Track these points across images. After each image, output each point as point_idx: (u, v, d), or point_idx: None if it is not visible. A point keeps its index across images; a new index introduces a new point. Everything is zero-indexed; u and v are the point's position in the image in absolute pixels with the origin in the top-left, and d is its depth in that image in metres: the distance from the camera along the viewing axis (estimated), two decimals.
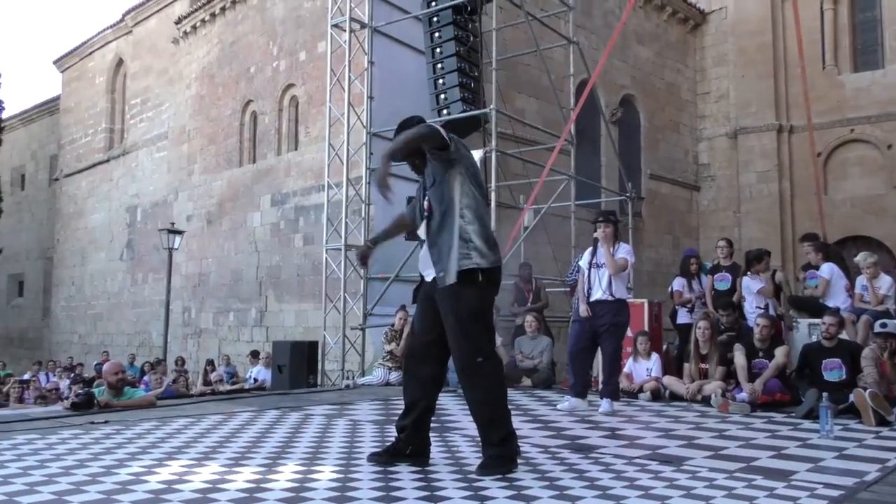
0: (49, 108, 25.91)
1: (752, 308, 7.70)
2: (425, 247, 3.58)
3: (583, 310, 6.23)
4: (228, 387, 10.93)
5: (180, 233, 15.60)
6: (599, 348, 6.36)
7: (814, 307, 7.60)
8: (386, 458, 3.56)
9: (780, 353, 6.76)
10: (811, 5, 16.69)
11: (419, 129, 3.41)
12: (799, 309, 7.94)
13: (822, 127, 15.77)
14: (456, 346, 3.44)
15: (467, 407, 3.56)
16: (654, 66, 17.52)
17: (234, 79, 16.92)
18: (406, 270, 10.43)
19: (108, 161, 21.15)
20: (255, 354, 12.51)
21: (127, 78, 21.14)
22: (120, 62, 21.51)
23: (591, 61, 13.05)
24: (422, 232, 3.63)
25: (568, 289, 9.73)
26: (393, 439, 3.70)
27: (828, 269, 7.69)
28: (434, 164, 3.49)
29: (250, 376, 11.71)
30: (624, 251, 6.19)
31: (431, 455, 3.67)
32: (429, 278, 3.56)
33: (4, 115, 21.68)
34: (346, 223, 10.81)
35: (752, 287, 7.79)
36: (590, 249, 6.38)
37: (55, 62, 23.89)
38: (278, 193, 15.30)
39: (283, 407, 6.33)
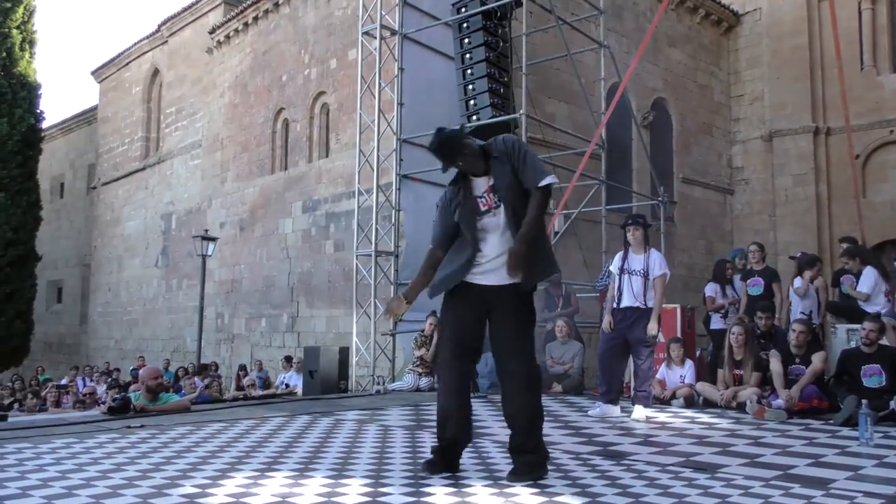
0: (87, 117, 26.49)
1: (797, 314, 7.59)
2: (477, 253, 3.43)
3: (605, 323, 6.18)
4: (261, 392, 11.03)
5: (213, 239, 15.81)
6: (632, 356, 6.30)
7: (852, 312, 7.46)
8: (440, 466, 3.52)
9: (817, 358, 6.64)
10: (848, 5, 16.39)
11: (544, 201, 3.36)
12: (837, 314, 7.80)
13: (860, 129, 15.46)
14: (519, 350, 3.43)
15: (508, 412, 3.45)
16: (687, 68, 17.34)
17: (266, 87, 17.13)
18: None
19: (143, 169, 21.52)
20: (287, 359, 12.62)
21: (162, 87, 21.51)
22: (156, 72, 21.90)
23: (623, 65, 12.96)
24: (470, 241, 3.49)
25: (598, 294, 9.67)
26: (437, 449, 3.57)
27: (867, 279, 7.53)
28: (504, 168, 3.42)
29: (283, 381, 11.81)
30: (657, 262, 6.11)
31: (462, 461, 3.67)
32: (485, 281, 3.43)
33: (44, 125, 22.16)
34: (377, 229, 10.86)
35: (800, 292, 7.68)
36: (620, 254, 6.33)
37: (93, 73, 24.42)
38: (309, 200, 15.43)
39: (315, 412, 6.38)
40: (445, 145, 3.45)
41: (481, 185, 3.50)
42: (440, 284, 3.52)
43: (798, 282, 7.72)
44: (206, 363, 14.33)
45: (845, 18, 15.62)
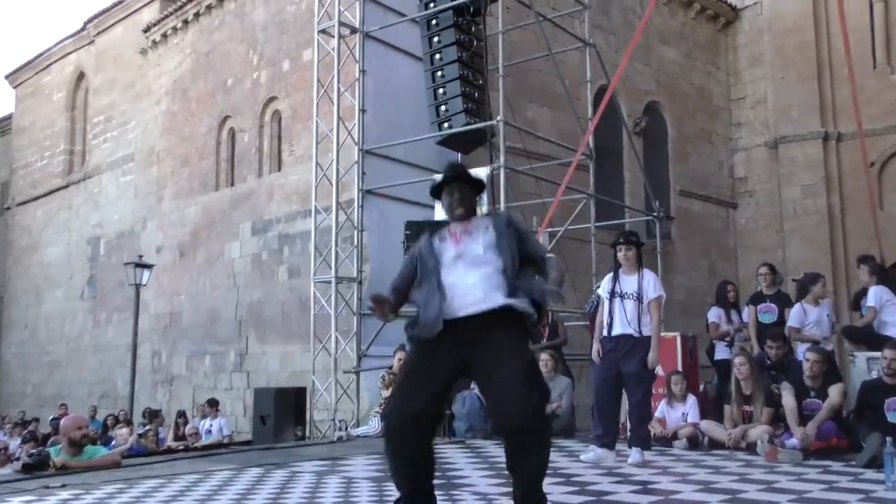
0: (0, 127, 26.14)
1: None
2: (455, 287, 3.41)
3: (594, 352, 6.19)
4: (204, 442, 10.86)
5: (149, 267, 15.63)
6: (625, 392, 6.32)
7: (871, 339, 7.55)
8: None
9: (834, 391, 6.69)
10: None
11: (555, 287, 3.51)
12: (854, 341, 7.89)
13: (874, 133, 15.76)
14: (524, 398, 3.16)
15: (518, 469, 3.27)
16: (682, 68, 17.64)
17: (209, 92, 17.08)
18: (405, 306, 10.38)
19: (67, 187, 21.28)
20: (211, 403, 12.47)
21: (89, 93, 21.35)
22: (81, 76, 21.74)
23: (611, 65, 13.13)
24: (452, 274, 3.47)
25: (588, 322, 9.67)
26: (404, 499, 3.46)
27: (875, 295, 7.63)
28: (506, 229, 3.55)
29: (208, 430, 11.77)
30: (651, 283, 6.15)
31: None
32: (466, 312, 3.35)
33: None
34: (337, 252, 10.82)
35: (811, 316, 7.71)
36: (610, 276, 6.35)
37: (7, 77, 24.17)
38: (260, 220, 15.36)
39: (267, 464, 6.29)
40: (463, 177, 3.60)
41: (456, 227, 3.58)
42: (424, 327, 3.43)
43: (817, 310, 7.74)
44: (156, 409, 14.08)
45: (854, 12, 15.94)
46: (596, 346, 6.20)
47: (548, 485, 4.86)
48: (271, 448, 7.89)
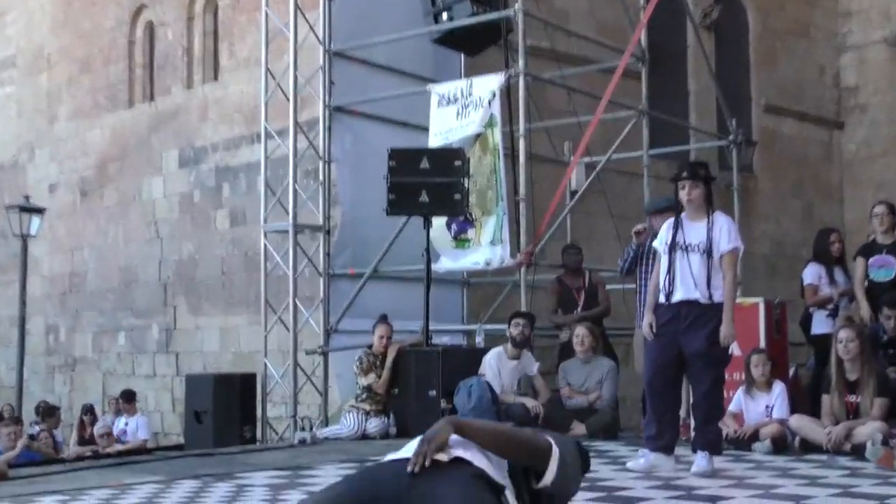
0: None
1: None
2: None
3: (646, 326, 6.23)
4: (120, 446, 10.96)
5: (39, 211, 15.59)
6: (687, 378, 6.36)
7: None
8: None
9: None
10: None
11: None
12: None
13: None
14: None
15: None
16: None
17: None
18: (388, 263, 10.43)
19: None
20: (127, 397, 12.56)
21: None
22: None
23: None
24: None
25: (624, 284, 9.64)
26: None
27: None
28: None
29: (123, 430, 11.86)
30: (725, 231, 6.13)
31: None
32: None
33: None
34: (296, 191, 10.79)
35: None
36: (669, 221, 6.36)
37: None
38: (189, 148, 15.30)
39: (205, 475, 6.32)
40: None
41: None
42: None
43: None
44: (53, 404, 14.16)
45: None
46: (648, 318, 6.21)
47: (584, 501, 4.93)
48: (210, 454, 7.94)
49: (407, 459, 3.05)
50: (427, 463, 2.99)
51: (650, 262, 7.88)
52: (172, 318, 15.28)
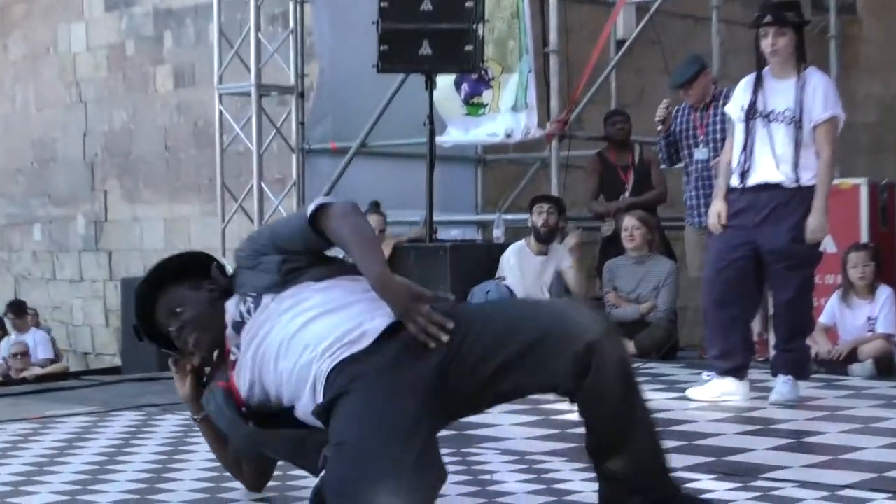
0: None
1: None
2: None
3: (713, 216, 6.20)
4: (39, 370, 11.08)
5: None
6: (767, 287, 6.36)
7: None
8: None
9: None
10: None
11: None
12: None
13: None
14: None
15: None
16: None
17: None
18: (379, 135, 10.39)
19: None
20: (15, 310, 12.74)
21: None
22: None
23: None
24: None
25: (661, 156, 9.43)
26: None
27: None
28: None
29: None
30: (820, 94, 6.06)
31: None
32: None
33: None
34: (258, 41, 10.74)
35: None
36: (747, 80, 6.29)
37: None
38: None
39: (148, 405, 6.38)
40: None
41: None
42: None
43: None
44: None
45: None
46: (717, 206, 6.19)
47: None
48: (154, 379, 7.97)
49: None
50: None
51: (690, 146, 8.01)
52: (102, 206, 15.36)
